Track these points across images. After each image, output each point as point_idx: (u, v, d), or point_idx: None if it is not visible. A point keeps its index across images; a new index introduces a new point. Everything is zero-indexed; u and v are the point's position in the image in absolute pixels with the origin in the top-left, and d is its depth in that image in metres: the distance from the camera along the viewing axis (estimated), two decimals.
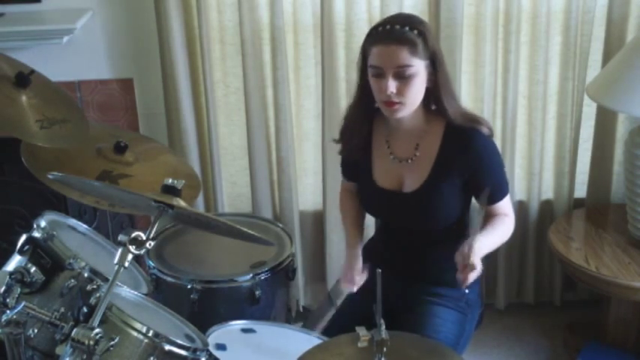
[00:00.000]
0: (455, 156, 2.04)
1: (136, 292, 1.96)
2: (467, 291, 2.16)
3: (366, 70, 2.02)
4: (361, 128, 2.13)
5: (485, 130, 2.04)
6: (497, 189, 2.09)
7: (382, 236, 2.30)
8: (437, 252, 2.13)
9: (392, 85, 1.95)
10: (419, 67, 1.95)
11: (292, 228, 3.00)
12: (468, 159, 2.03)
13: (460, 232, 2.16)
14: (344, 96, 2.87)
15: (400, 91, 1.96)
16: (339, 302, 2.19)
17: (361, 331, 1.50)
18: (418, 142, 2.09)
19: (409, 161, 2.10)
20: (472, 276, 1.88)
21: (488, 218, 2.10)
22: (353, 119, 2.15)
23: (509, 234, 2.12)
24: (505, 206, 2.12)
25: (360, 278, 2.17)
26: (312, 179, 3.12)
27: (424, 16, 2.82)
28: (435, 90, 2.02)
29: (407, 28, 1.93)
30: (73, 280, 1.88)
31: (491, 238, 2.03)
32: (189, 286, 2.28)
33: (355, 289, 2.17)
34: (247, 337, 2.00)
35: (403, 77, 1.94)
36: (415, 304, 2.12)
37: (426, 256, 2.16)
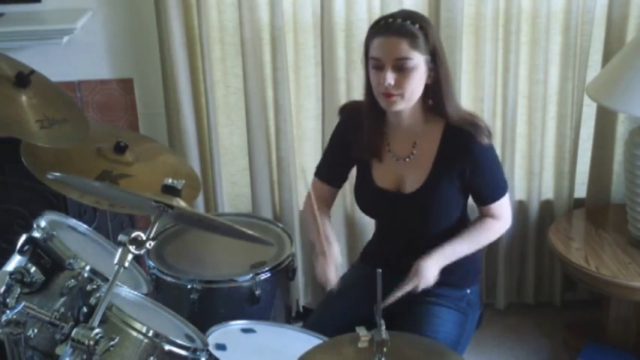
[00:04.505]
0: (454, 157, 2.04)
1: (136, 292, 1.96)
2: (468, 291, 2.17)
3: (368, 64, 2.01)
4: (374, 125, 2.11)
5: (484, 133, 2.03)
6: (492, 192, 2.12)
7: (381, 237, 2.30)
8: None
9: (390, 77, 1.94)
10: (418, 61, 1.95)
11: (292, 228, 3.00)
12: (466, 161, 2.03)
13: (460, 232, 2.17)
14: (344, 96, 2.86)
15: (398, 84, 1.95)
16: None
17: (361, 331, 1.50)
18: (416, 141, 2.09)
19: (407, 160, 2.10)
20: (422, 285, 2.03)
21: (476, 219, 2.16)
22: (367, 117, 2.12)
23: (493, 237, 2.16)
24: (498, 208, 2.13)
25: (336, 271, 2.08)
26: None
27: None
28: (435, 87, 2.01)
29: (408, 22, 1.94)
30: (73, 280, 1.88)
31: (459, 247, 2.09)
32: (189, 286, 2.28)
33: (334, 284, 2.07)
34: (247, 337, 2.00)
35: (402, 70, 1.94)
36: (414, 304, 2.12)
37: None
